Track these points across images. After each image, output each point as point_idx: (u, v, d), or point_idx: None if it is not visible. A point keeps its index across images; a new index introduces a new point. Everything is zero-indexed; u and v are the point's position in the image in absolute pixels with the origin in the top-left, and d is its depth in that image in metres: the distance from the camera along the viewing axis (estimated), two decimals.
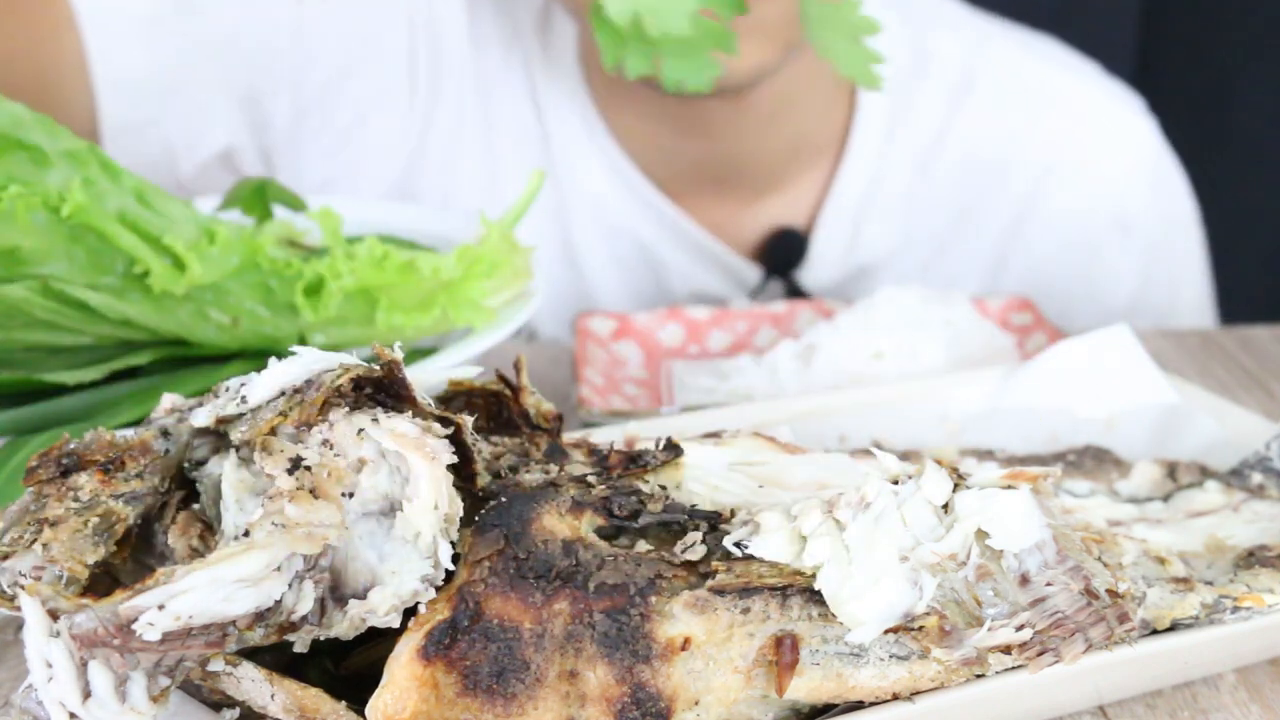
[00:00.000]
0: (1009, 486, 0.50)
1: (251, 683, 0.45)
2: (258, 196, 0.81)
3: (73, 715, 0.41)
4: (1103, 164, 1.15)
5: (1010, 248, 1.15)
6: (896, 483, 0.51)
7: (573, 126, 1.09)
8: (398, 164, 1.11)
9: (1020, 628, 0.48)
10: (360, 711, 0.44)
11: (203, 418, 0.48)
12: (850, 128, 1.11)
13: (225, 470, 0.47)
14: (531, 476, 0.51)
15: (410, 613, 0.45)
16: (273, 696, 0.44)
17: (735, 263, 1.12)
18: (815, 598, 0.47)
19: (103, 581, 0.47)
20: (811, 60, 1.02)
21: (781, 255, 1.11)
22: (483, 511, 0.48)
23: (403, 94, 1.10)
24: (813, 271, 1.12)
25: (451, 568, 0.46)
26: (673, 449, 0.54)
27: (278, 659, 0.47)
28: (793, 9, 0.89)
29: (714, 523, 0.50)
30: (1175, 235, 1.18)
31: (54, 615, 0.40)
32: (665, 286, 1.13)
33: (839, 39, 0.54)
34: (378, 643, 0.48)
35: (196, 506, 0.49)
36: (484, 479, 0.50)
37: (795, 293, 1.12)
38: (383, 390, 0.49)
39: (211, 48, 1.05)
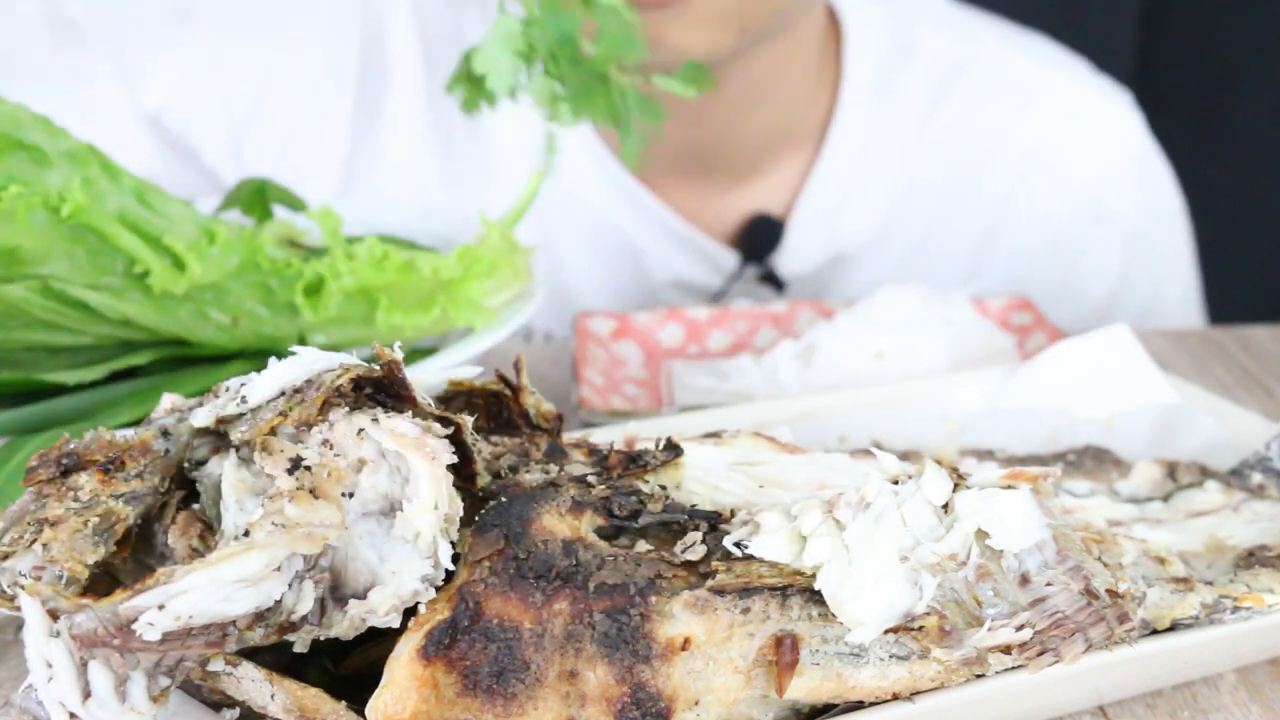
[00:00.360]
0: (1009, 486, 0.50)
1: (251, 683, 0.45)
2: (258, 196, 0.81)
3: (73, 715, 0.41)
4: (1087, 159, 1.15)
5: (992, 241, 1.15)
6: (896, 483, 0.51)
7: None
8: (342, 166, 1.11)
9: (1020, 628, 0.48)
10: (360, 711, 0.44)
11: (203, 418, 0.48)
12: (832, 117, 1.11)
13: (225, 470, 0.47)
14: (531, 476, 0.51)
15: (410, 613, 0.45)
16: (273, 696, 0.44)
17: (713, 249, 1.12)
18: (815, 598, 0.47)
19: (103, 581, 0.47)
20: (788, 49, 1.03)
21: (758, 241, 1.11)
22: (483, 511, 0.48)
23: (342, 99, 1.10)
24: (790, 258, 1.12)
25: (451, 568, 0.46)
26: (673, 449, 0.54)
27: (278, 659, 0.47)
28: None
29: (714, 523, 0.50)
30: (1160, 231, 1.18)
31: (54, 615, 0.40)
32: (644, 274, 1.13)
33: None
34: (378, 643, 0.48)
35: (196, 506, 0.49)
36: (484, 479, 0.50)
37: (771, 279, 1.12)
38: (383, 390, 0.49)
39: (118, 80, 1.07)
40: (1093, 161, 1.15)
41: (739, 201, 1.13)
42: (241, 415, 0.47)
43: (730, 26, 0.94)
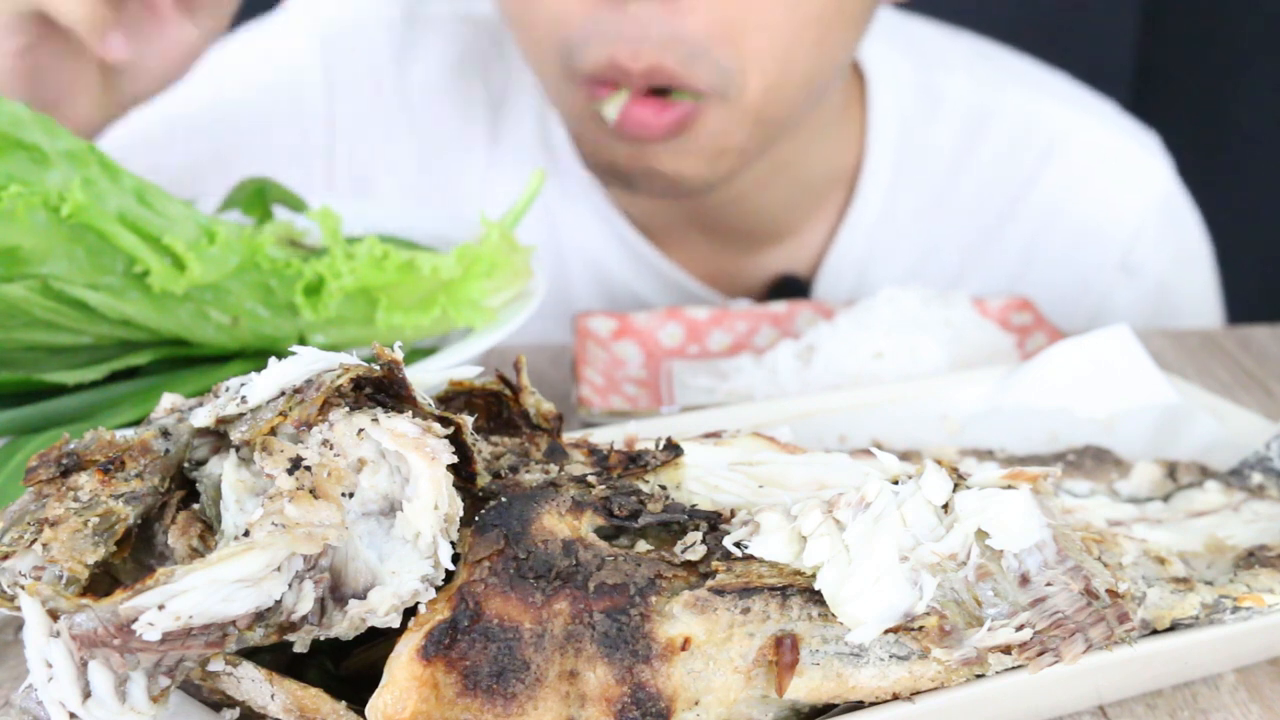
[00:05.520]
0: (1009, 486, 0.50)
1: (251, 683, 0.45)
2: (258, 196, 0.81)
3: (73, 715, 0.41)
4: (1113, 207, 1.14)
5: (1018, 288, 1.14)
6: (896, 483, 0.51)
7: (566, 187, 1.10)
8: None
9: (1020, 628, 0.48)
10: (360, 711, 0.44)
11: (203, 418, 0.48)
12: (858, 175, 1.10)
13: (225, 470, 0.47)
14: (531, 476, 0.51)
15: (410, 613, 0.45)
16: (273, 696, 0.44)
17: None
18: (815, 598, 0.47)
19: (103, 581, 0.47)
20: (808, 128, 1.01)
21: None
22: (483, 511, 0.48)
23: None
24: None
25: (451, 568, 0.46)
26: (673, 449, 0.54)
27: (278, 659, 0.47)
28: (737, 123, 0.90)
29: (714, 523, 0.50)
30: (1185, 276, 1.17)
31: (54, 615, 0.40)
32: None
33: None
34: (378, 643, 0.48)
35: (196, 506, 0.49)
36: (484, 479, 0.50)
37: None
38: (383, 390, 0.49)
39: None
40: (1119, 210, 1.14)
41: (762, 262, 1.12)
42: (241, 415, 0.47)
43: (728, 154, 0.93)
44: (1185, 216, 1.17)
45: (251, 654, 0.45)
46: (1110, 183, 1.14)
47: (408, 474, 0.46)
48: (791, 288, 1.11)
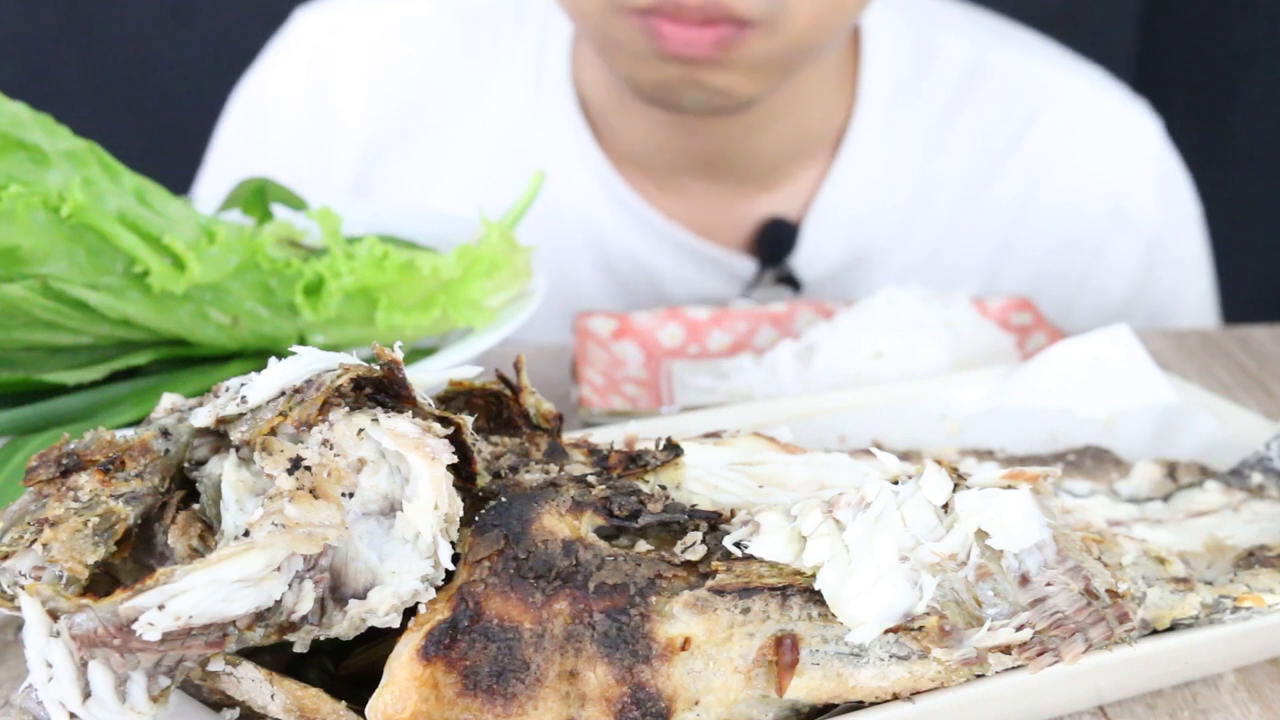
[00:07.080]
0: (1009, 486, 0.50)
1: (251, 683, 0.45)
2: (258, 196, 0.81)
3: (73, 715, 0.41)
4: (1105, 160, 1.15)
5: (1010, 242, 1.15)
6: (896, 483, 0.51)
7: (560, 143, 1.10)
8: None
9: (1020, 628, 0.48)
10: (360, 711, 0.44)
11: (203, 418, 0.48)
12: (849, 124, 1.12)
13: (225, 470, 0.47)
14: (531, 476, 0.51)
15: (410, 613, 0.45)
16: (273, 696, 0.44)
17: (728, 259, 1.12)
18: (815, 598, 0.47)
19: (103, 581, 0.47)
20: (810, 68, 1.03)
21: (772, 244, 1.12)
22: (483, 511, 0.48)
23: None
24: (807, 261, 1.13)
25: (451, 568, 0.46)
26: (673, 449, 0.54)
27: (278, 659, 0.47)
28: (781, 46, 0.92)
29: (714, 523, 0.50)
30: (1177, 235, 1.19)
31: (54, 615, 0.40)
32: (662, 292, 1.14)
33: None
34: (378, 643, 0.48)
35: (196, 506, 0.49)
36: (484, 479, 0.50)
37: (788, 281, 1.12)
38: (383, 390, 0.49)
39: None
40: (1111, 163, 1.15)
41: (757, 208, 1.13)
42: (241, 415, 0.47)
43: (773, 71, 0.95)
44: (1177, 175, 1.19)
45: (251, 654, 0.45)
46: (1102, 141, 1.16)
47: (408, 474, 0.46)
48: (780, 230, 1.12)
